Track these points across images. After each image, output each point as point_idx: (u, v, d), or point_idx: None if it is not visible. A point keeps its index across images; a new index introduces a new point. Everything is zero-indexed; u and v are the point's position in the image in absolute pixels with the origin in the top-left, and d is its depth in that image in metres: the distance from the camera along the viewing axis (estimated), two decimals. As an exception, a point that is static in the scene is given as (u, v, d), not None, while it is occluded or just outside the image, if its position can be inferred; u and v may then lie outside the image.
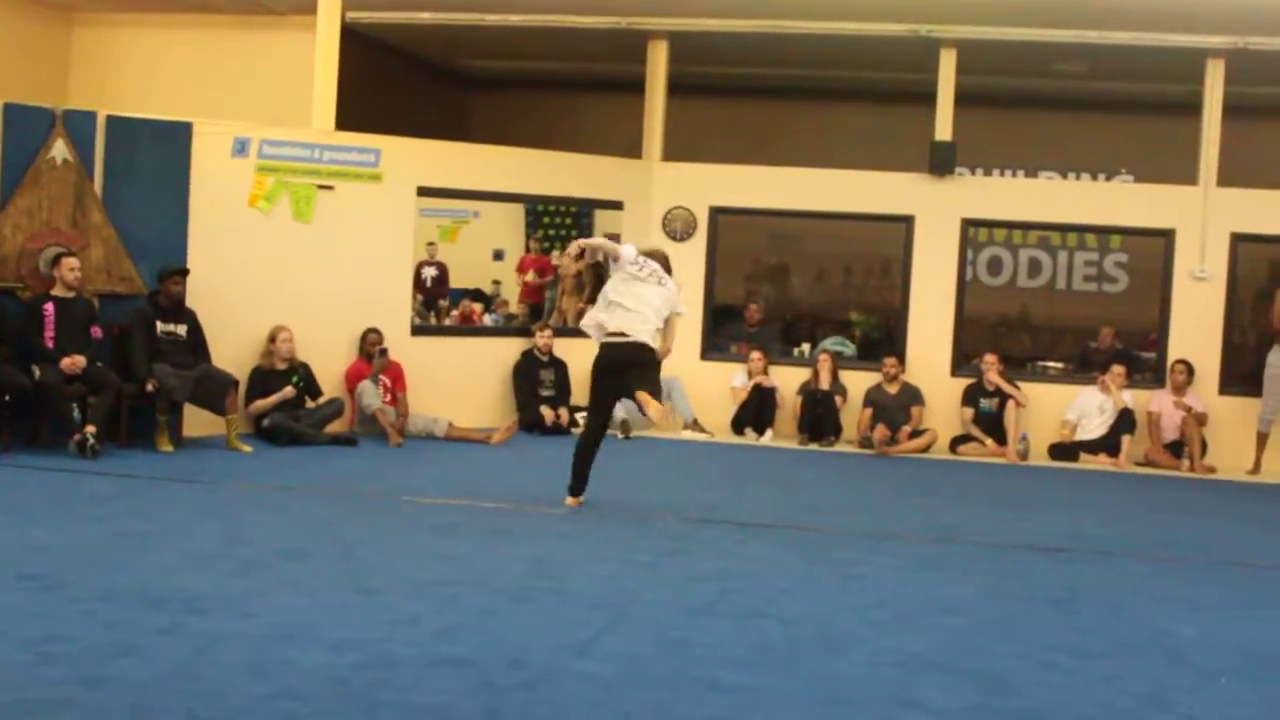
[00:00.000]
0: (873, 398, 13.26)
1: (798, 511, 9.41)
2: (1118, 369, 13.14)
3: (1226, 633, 6.65)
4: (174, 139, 11.40)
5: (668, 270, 9.26)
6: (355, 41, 13.74)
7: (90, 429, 10.08)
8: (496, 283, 15.85)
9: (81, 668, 5.13)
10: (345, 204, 12.30)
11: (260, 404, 11.45)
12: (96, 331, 10.60)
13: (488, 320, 14.80)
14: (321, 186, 12.19)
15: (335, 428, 11.90)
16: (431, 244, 14.95)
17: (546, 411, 12.98)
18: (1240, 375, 13.46)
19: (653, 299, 8.93)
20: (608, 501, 9.49)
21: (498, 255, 16.42)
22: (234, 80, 13.80)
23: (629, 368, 8.76)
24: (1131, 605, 7.14)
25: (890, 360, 13.38)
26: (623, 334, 8.75)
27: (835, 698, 5.28)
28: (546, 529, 8.42)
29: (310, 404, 11.77)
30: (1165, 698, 5.49)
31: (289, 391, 11.56)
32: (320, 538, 7.75)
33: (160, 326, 10.83)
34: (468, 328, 14.06)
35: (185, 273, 10.99)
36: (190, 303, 11.12)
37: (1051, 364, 14.67)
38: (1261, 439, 12.81)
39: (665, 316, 9.04)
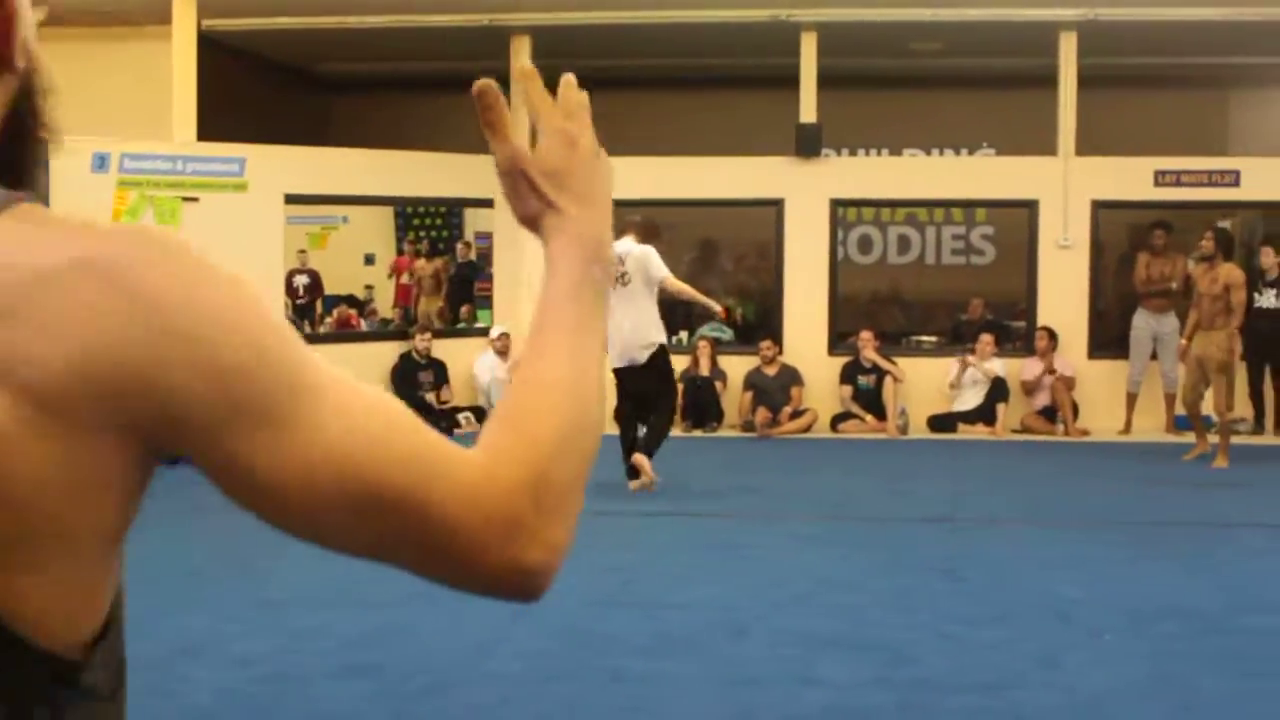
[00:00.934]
0: (753, 381, 13.45)
1: (689, 498, 9.54)
2: (985, 338, 13.48)
3: (1110, 591, 6.90)
4: (31, 157, 11.21)
5: (652, 235, 9.67)
6: (213, 49, 13.58)
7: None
8: (369, 287, 15.83)
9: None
10: (211, 215, 12.16)
11: None
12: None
13: (364, 326, 14.77)
14: (186, 199, 12.06)
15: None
16: (302, 251, 14.89)
17: (429, 397, 12.99)
18: (1108, 339, 13.88)
19: (638, 300, 9.37)
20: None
21: (369, 260, 16.38)
22: (90, 94, 13.45)
23: (645, 394, 9.53)
24: (1018, 570, 7.38)
25: (766, 343, 13.58)
26: (631, 361, 9.39)
27: (739, 679, 5.41)
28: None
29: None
30: (1056, 658, 5.70)
31: None
32: (218, 553, 7.70)
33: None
34: (344, 334, 14.01)
35: None
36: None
37: (925, 338, 14.98)
38: (1131, 399, 13.24)
39: (655, 290, 9.55)
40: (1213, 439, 11.23)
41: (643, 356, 9.38)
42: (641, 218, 9.98)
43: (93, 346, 0.89)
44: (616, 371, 9.34)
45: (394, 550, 1.03)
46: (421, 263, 15.18)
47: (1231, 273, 11.00)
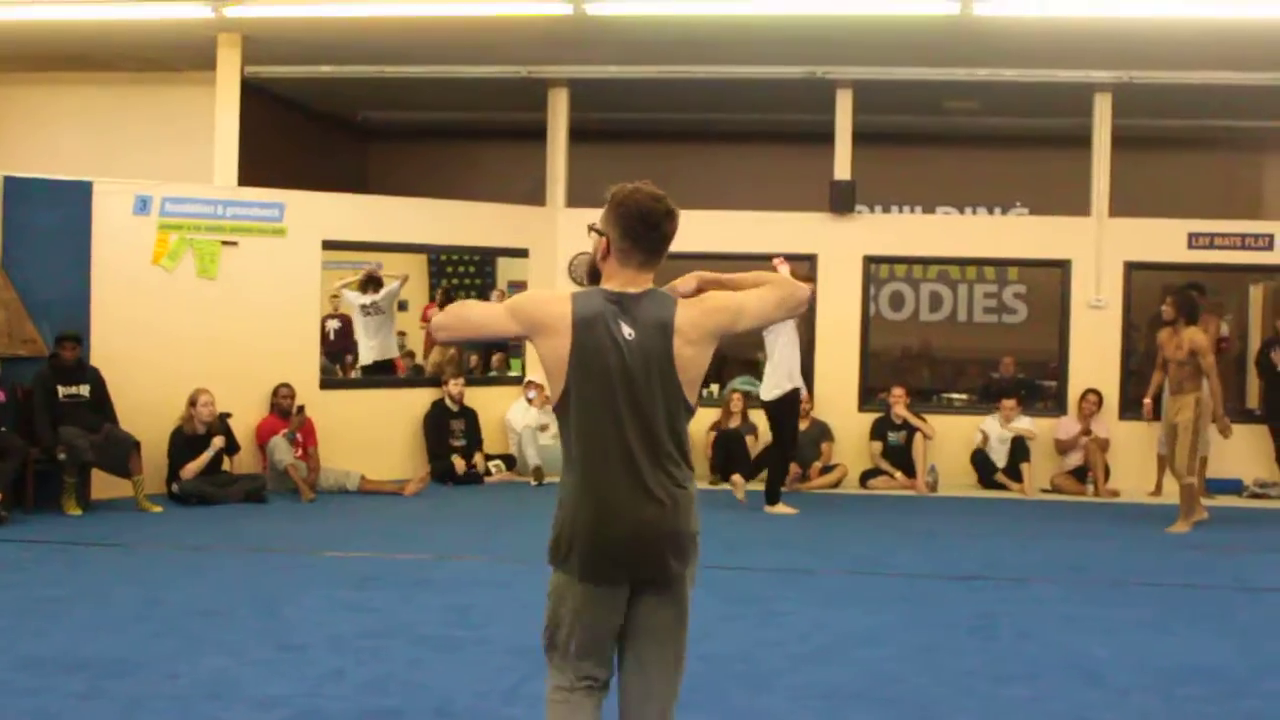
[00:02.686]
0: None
1: (714, 551, 9.38)
2: (1008, 403, 13.41)
3: (1139, 651, 6.81)
4: (74, 198, 11.31)
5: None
6: (255, 96, 13.70)
7: (-5, 494, 9.97)
8: (402, 334, 15.83)
9: (3, 736, 5.08)
10: (250, 259, 12.23)
11: (192, 466, 11.29)
12: (0, 396, 10.45)
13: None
14: (225, 243, 12.12)
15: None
16: (335, 297, 14.92)
17: (457, 460, 12.96)
18: (1139, 400, 13.74)
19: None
20: (526, 549, 9.49)
21: (402, 306, 16.39)
22: (134, 138, 13.68)
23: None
24: (1046, 629, 7.29)
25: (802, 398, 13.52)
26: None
27: (762, 732, 5.36)
28: (468, 578, 8.43)
29: (227, 466, 11.64)
30: (1082, 715, 5.63)
31: (219, 443, 11.43)
32: (238, 596, 7.70)
33: (62, 390, 10.69)
34: (376, 379, 14.01)
35: (76, 338, 10.82)
36: (95, 362, 10.99)
37: (956, 395, 14.91)
38: (1162, 461, 13.05)
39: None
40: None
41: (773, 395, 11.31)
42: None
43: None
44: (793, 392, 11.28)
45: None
46: (436, 310, 15.22)
47: (1195, 337, 10.79)
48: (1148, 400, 11.70)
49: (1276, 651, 6.94)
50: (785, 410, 11.41)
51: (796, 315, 4.58)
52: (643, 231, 3.75)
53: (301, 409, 12.04)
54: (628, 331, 3.68)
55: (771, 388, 11.33)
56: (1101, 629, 7.30)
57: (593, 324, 3.69)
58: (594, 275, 3.90)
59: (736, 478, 11.60)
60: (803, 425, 13.35)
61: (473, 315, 3.98)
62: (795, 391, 11.47)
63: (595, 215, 12.53)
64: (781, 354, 11.26)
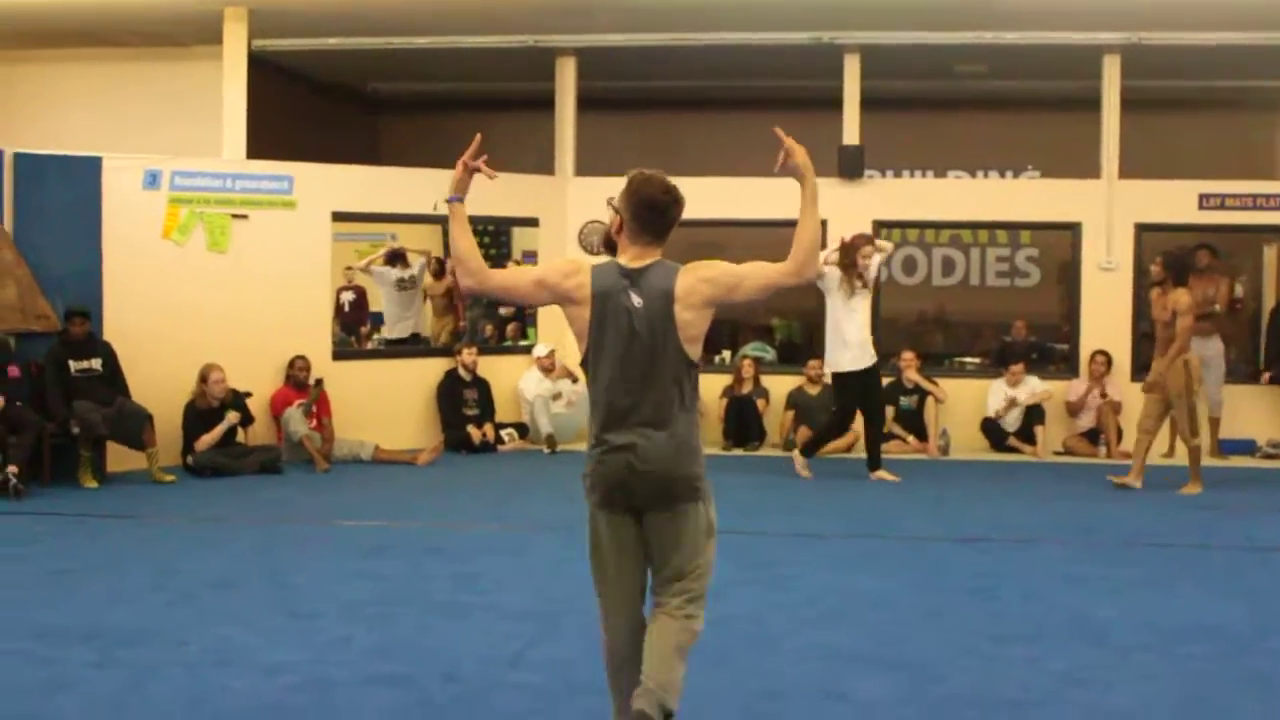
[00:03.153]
0: (795, 400, 13.43)
1: (725, 516, 9.39)
2: (1016, 367, 13.41)
3: (1143, 611, 6.84)
4: (84, 174, 11.36)
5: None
6: (263, 69, 13.74)
7: (12, 469, 10.01)
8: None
9: (13, 705, 5.16)
10: (260, 232, 12.28)
11: (206, 439, 11.37)
12: (14, 371, 10.52)
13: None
14: (235, 216, 12.17)
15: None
16: (349, 268, 14.97)
17: (472, 430, 13.02)
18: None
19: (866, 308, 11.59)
20: (538, 516, 9.57)
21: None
22: (143, 113, 13.73)
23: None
24: (1050, 589, 7.33)
25: (814, 363, 13.54)
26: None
27: (765, 692, 5.42)
28: (478, 546, 8.48)
29: (241, 438, 11.72)
30: (1083, 676, 5.67)
31: (235, 417, 11.51)
32: (250, 566, 7.77)
33: (74, 365, 10.77)
34: (390, 350, 14.07)
35: (85, 313, 10.87)
36: (108, 337, 11.08)
37: (968, 359, 14.90)
38: (1174, 423, 13.04)
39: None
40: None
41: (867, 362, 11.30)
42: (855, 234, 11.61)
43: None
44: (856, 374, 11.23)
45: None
46: (431, 281, 15.24)
47: (1177, 298, 10.60)
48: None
49: (1282, 611, 6.97)
50: (871, 381, 11.46)
51: (801, 284, 4.78)
52: (650, 217, 4.42)
53: (319, 382, 12.12)
54: (636, 300, 4.34)
55: (853, 360, 11.24)
56: (1107, 589, 7.33)
57: (608, 296, 4.37)
58: (609, 244, 4.56)
59: (800, 458, 11.57)
60: (814, 390, 13.42)
61: (498, 277, 4.64)
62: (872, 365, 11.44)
63: (604, 183, 12.60)
64: (850, 325, 11.21)
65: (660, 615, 4.44)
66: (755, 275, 4.40)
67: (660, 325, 4.33)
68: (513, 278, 4.76)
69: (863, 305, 11.30)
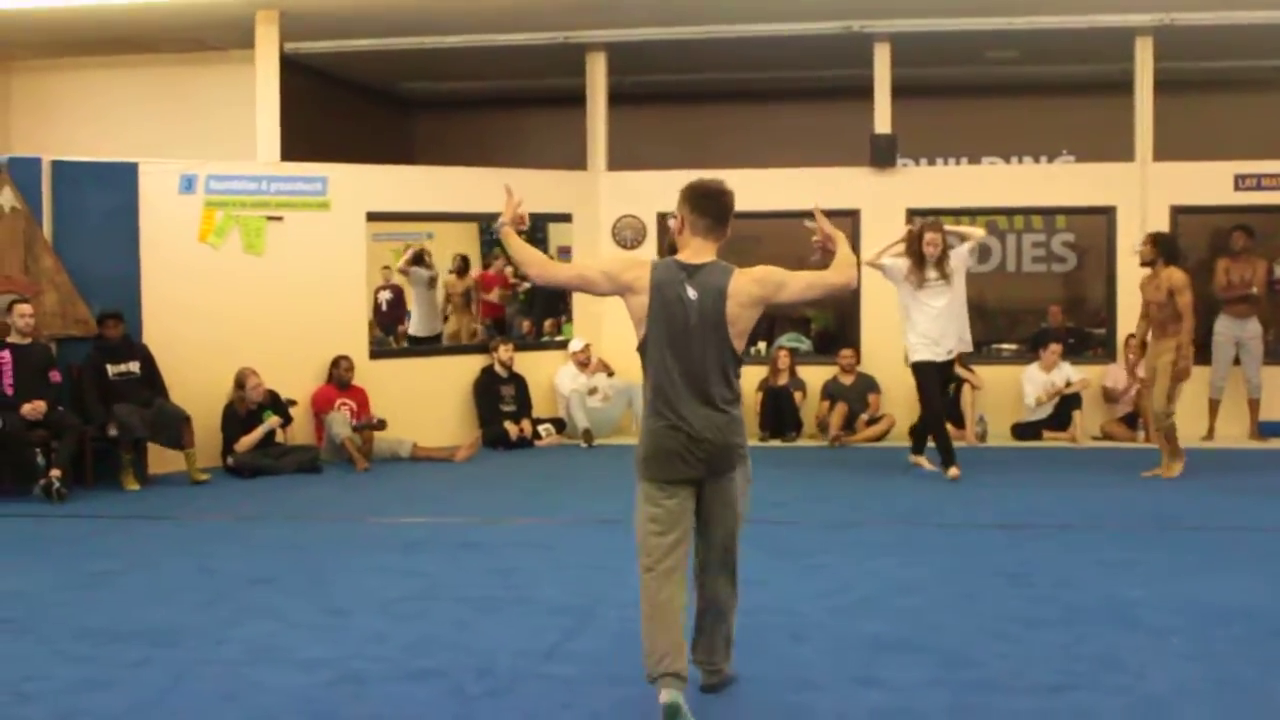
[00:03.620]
0: (830, 390, 13.42)
1: (761, 506, 9.33)
2: (1054, 348, 13.36)
3: (1177, 595, 6.82)
4: (120, 180, 11.46)
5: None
6: (296, 71, 13.83)
7: (55, 473, 10.13)
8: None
9: (57, 704, 5.23)
10: (296, 234, 12.35)
11: (246, 440, 11.46)
12: (55, 376, 10.63)
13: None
14: (271, 218, 12.25)
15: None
16: (386, 268, 15.06)
17: (510, 426, 13.07)
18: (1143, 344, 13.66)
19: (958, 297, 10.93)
20: (572, 509, 9.61)
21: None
22: (177, 117, 13.84)
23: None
24: (1085, 575, 7.31)
25: (846, 352, 13.55)
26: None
27: (799, 681, 5.44)
28: (513, 540, 8.52)
29: (280, 438, 11.80)
30: (1117, 659, 5.66)
31: (275, 421, 11.62)
32: (288, 564, 7.84)
33: (112, 369, 10.87)
34: (427, 347, 14.14)
35: (118, 316, 10.96)
36: (146, 340, 11.18)
37: (1005, 346, 14.84)
38: (1214, 406, 13.03)
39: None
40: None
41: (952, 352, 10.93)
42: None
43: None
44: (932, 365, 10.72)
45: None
46: (452, 279, 15.29)
47: (1173, 276, 10.46)
48: (1137, 343, 11.27)
49: (1320, 591, 6.93)
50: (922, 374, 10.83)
51: (834, 295, 5.45)
52: (707, 204, 4.96)
53: (383, 423, 12.25)
54: (692, 294, 4.87)
55: (920, 349, 10.80)
56: (1141, 574, 7.31)
57: (666, 287, 4.90)
58: (671, 250, 5.08)
59: (921, 460, 11.15)
60: (849, 379, 13.40)
61: (566, 270, 5.38)
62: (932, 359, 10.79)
63: (636, 178, 12.71)
64: (921, 316, 10.73)
65: (714, 574, 5.10)
66: (800, 278, 4.99)
67: (712, 318, 4.87)
68: (583, 269, 5.35)
69: (937, 297, 10.68)
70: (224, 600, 6.97)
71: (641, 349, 4.97)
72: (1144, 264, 10.79)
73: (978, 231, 11.41)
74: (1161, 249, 10.60)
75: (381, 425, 12.10)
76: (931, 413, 10.85)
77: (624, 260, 5.10)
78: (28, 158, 11.27)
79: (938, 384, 10.93)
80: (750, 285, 4.90)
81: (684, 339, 4.87)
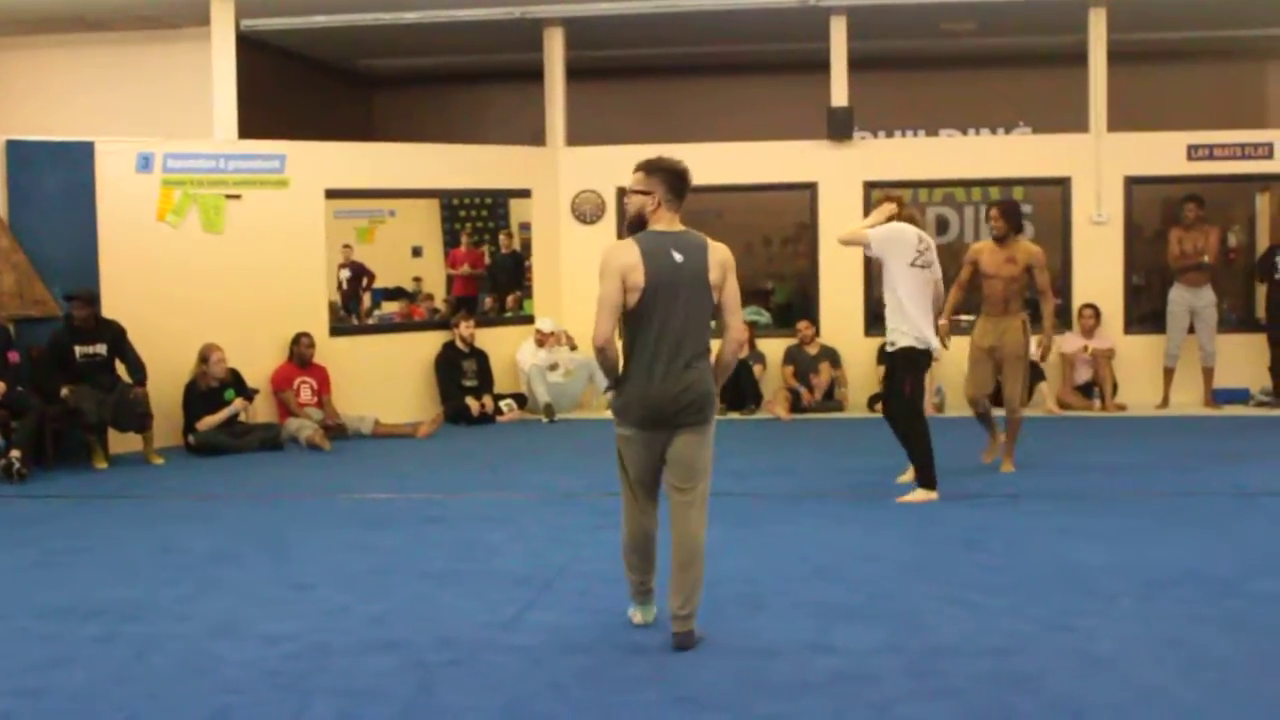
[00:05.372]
0: (792, 355, 13.52)
1: (720, 478, 9.44)
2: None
3: (1130, 559, 6.95)
4: (76, 159, 11.42)
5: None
6: (252, 48, 13.78)
7: (15, 453, 10.13)
8: (417, 279, 15.95)
9: (19, 681, 5.26)
10: (254, 211, 12.34)
11: (209, 420, 11.48)
12: (13, 356, 10.61)
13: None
14: (229, 196, 12.23)
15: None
16: (347, 246, 15.04)
17: (471, 402, 13.11)
18: (1143, 315, 13.85)
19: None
20: (533, 484, 9.67)
21: (416, 252, 16.50)
22: (133, 96, 13.76)
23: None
24: (1039, 541, 7.43)
25: (804, 323, 13.64)
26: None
27: (753, 649, 5.52)
28: (475, 514, 8.58)
29: (244, 417, 11.81)
30: (1067, 622, 5.78)
31: (239, 404, 11.65)
32: (251, 540, 7.88)
33: (79, 350, 10.87)
34: (388, 324, 14.16)
35: (84, 297, 10.89)
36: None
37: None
38: (1168, 374, 13.20)
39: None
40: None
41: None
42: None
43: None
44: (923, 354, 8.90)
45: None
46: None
47: (1031, 250, 9.55)
48: (944, 322, 9.51)
49: (1267, 554, 7.07)
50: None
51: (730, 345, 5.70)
52: (683, 187, 5.53)
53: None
54: (679, 256, 5.41)
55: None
56: (1095, 539, 7.43)
57: (656, 254, 5.40)
58: (636, 225, 5.52)
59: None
60: (812, 350, 13.51)
61: (609, 308, 5.40)
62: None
63: (596, 152, 12.67)
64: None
65: (684, 509, 5.58)
66: (733, 306, 5.61)
67: (698, 275, 5.45)
68: (610, 305, 5.42)
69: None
70: (187, 576, 7.00)
71: (633, 312, 5.41)
72: (997, 238, 9.61)
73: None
74: (1010, 220, 9.62)
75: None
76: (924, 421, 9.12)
77: (616, 263, 5.41)
78: (-18, 137, 11.23)
79: None
80: (715, 264, 5.51)
81: (675, 298, 5.38)
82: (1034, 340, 9.83)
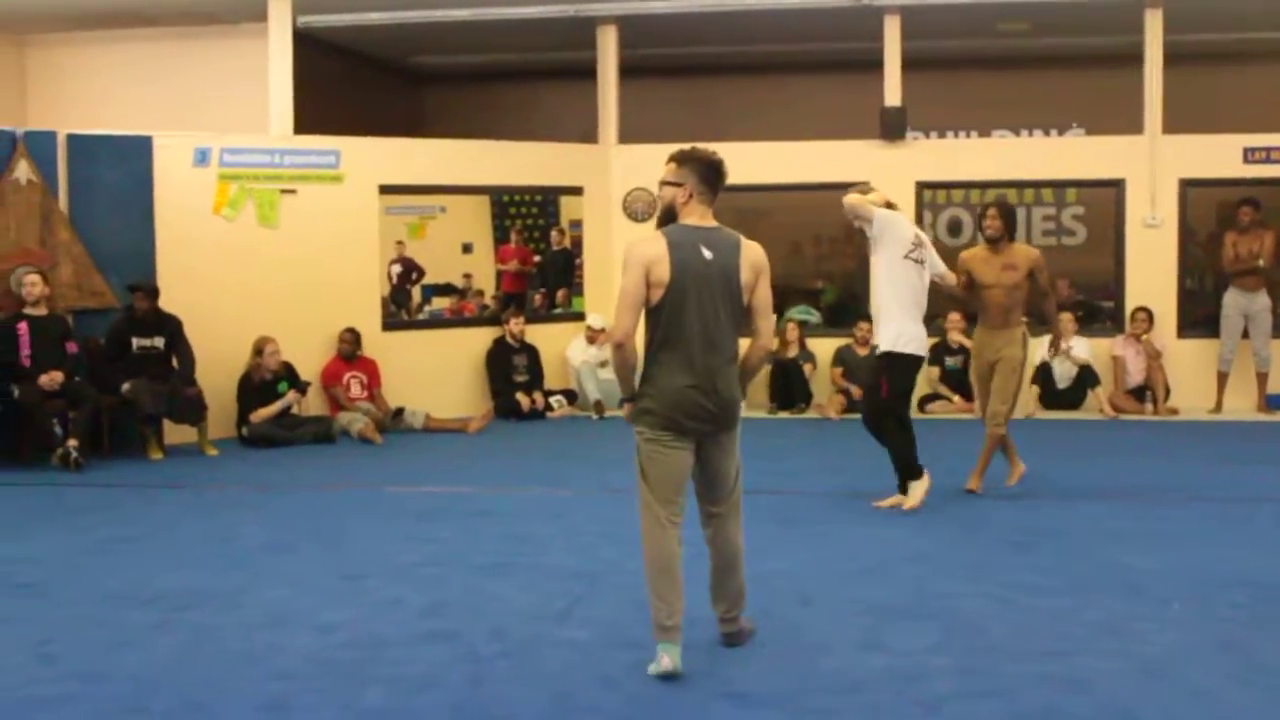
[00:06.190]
0: (843, 356, 13.50)
1: (770, 478, 9.53)
2: (1065, 315, 13.32)
3: (1181, 563, 6.91)
4: (135, 153, 11.55)
5: None
6: (308, 45, 13.89)
7: (72, 442, 10.27)
8: (467, 276, 16.02)
9: (80, 665, 5.35)
10: (309, 206, 12.45)
11: (263, 413, 11.61)
12: (72, 347, 10.74)
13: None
14: (284, 191, 12.34)
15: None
16: (400, 243, 15.11)
17: (522, 397, 13.18)
18: (1197, 318, 13.74)
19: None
20: (583, 480, 9.71)
21: (466, 248, 16.55)
22: (191, 91, 13.89)
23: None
24: (1091, 543, 7.41)
25: (864, 324, 13.59)
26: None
27: (803, 645, 5.54)
28: (526, 509, 8.63)
29: (296, 410, 11.92)
30: (1119, 625, 5.76)
31: (292, 397, 11.79)
32: (304, 531, 7.96)
33: (136, 341, 10.99)
34: (438, 320, 14.23)
35: (146, 289, 11.01)
36: (161, 311, 11.30)
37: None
38: (1222, 378, 13.10)
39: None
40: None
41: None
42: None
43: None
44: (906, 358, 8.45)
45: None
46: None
47: (1030, 254, 8.93)
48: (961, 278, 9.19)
49: (1318, 559, 7.03)
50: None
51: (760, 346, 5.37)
52: (717, 180, 5.26)
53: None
54: (708, 253, 5.15)
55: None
56: (1146, 543, 7.41)
57: (683, 247, 5.16)
58: (667, 218, 5.28)
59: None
60: (863, 351, 13.47)
61: (630, 303, 5.13)
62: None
63: (648, 151, 12.70)
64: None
65: (721, 519, 5.34)
66: (765, 310, 5.33)
67: (728, 275, 5.18)
68: (632, 298, 5.15)
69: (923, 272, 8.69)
70: (241, 565, 7.08)
71: (658, 308, 5.14)
72: (989, 239, 8.97)
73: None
74: (1007, 222, 8.98)
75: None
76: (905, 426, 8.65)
77: (639, 256, 5.14)
78: (44, 131, 11.36)
79: None
80: (747, 265, 5.24)
81: (702, 296, 5.13)
82: (1044, 341, 9.52)
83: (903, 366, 8.47)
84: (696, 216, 5.23)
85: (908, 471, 8.50)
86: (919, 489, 8.46)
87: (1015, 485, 9.03)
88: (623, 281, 5.15)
